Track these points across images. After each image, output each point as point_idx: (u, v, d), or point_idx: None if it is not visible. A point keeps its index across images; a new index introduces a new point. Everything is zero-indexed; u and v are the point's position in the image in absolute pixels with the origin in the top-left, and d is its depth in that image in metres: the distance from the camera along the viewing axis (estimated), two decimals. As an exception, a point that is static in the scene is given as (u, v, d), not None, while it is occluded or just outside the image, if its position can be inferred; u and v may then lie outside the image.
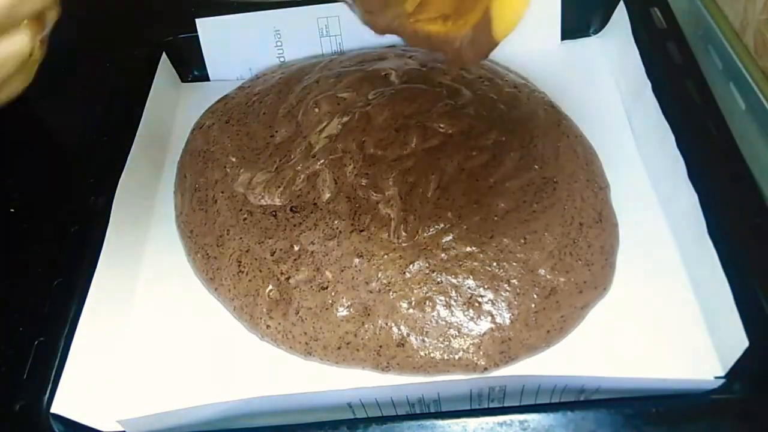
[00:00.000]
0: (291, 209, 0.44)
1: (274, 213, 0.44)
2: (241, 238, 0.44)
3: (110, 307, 0.41)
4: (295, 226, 0.43)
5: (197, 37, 0.55)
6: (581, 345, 0.39)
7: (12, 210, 0.44)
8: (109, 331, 0.40)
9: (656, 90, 0.46)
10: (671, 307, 0.39)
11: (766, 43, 0.40)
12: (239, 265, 0.43)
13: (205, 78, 0.57)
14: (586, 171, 0.46)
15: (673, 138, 0.42)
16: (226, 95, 0.55)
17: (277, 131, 0.50)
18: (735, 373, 0.34)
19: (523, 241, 0.41)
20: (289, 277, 0.42)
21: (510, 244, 0.41)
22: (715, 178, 0.40)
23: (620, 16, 0.53)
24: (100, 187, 0.44)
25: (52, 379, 0.36)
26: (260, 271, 0.42)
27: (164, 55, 0.55)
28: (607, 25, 0.55)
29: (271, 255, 0.43)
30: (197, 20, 0.54)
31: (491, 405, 0.36)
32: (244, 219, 0.45)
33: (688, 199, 0.40)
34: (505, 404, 0.36)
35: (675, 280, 0.40)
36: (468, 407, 0.36)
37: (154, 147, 0.51)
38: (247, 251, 0.43)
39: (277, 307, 0.41)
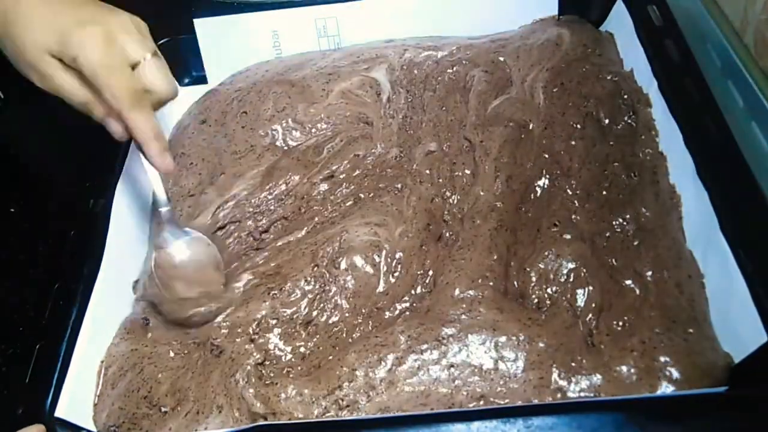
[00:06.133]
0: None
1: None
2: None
3: (112, 312, 0.41)
4: None
5: (195, 38, 0.55)
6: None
7: (12, 210, 0.43)
8: (109, 336, 0.40)
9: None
10: None
11: (766, 42, 0.40)
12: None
13: (205, 79, 0.57)
14: None
15: (680, 135, 0.42)
16: (210, 90, 0.54)
17: (261, 135, 0.49)
18: (743, 369, 0.34)
19: None
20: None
21: None
22: (714, 176, 0.40)
23: (618, 13, 0.52)
24: (99, 190, 0.44)
25: (54, 383, 0.36)
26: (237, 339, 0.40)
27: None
28: (605, 22, 0.55)
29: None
30: (195, 21, 0.54)
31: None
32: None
33: (696, 197, 0.39)
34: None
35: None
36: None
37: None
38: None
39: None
